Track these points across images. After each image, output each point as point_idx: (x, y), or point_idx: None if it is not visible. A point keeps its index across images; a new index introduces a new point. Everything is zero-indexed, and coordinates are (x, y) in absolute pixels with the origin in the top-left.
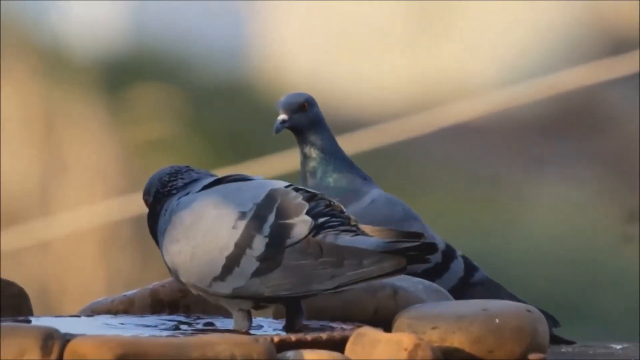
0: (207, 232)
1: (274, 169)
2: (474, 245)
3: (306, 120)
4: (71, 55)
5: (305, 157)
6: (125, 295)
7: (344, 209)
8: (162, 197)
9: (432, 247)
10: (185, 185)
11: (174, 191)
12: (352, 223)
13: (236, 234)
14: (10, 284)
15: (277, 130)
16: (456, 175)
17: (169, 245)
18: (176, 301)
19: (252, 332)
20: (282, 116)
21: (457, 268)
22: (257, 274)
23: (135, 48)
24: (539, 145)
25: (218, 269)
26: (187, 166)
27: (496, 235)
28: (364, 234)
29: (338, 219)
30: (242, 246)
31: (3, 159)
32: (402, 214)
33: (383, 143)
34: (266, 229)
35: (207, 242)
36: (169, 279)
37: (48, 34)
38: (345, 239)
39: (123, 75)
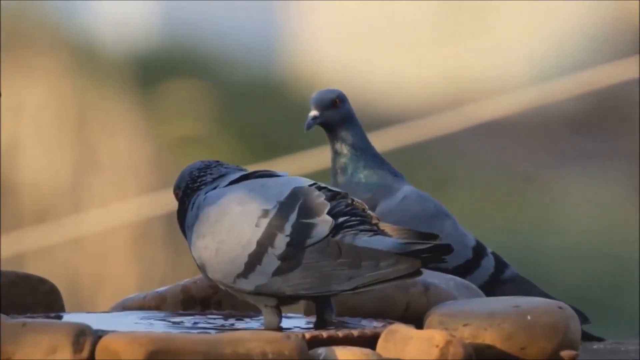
0: (231, 228)
1: (304, 165)
2: (504, 242)
3: (337, 116)
4: (104, 52)
5: (336, 154)
6: (157, 292)
7: (366, 207)
8: (191, 191)
9: (446, 249)
10: (214, 180)
11: (203, 186)
12: (373, 222)
13: (259, 232)
14: (43, 281)
15: (309, 127)
16: (487, 173)
17: (196, 241)
18: (208, 298)
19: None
20: (314, 112)
21: (488, 265)
22: (278, 272)
23: (168, 45)
24: (570, 142)
25: (241, 266)
26: (217, 161)
27: (527, 232)
28: (383, 233)
29: (358, 218)
30: (264, 244)
31: (36, 155)
32: (433, 210)
33: (414, 140)
34: (288, 228)
35: (231, 238)
36: (200, 275)
37: (81, 31)
38: (363, 239)
39: (155, 72)
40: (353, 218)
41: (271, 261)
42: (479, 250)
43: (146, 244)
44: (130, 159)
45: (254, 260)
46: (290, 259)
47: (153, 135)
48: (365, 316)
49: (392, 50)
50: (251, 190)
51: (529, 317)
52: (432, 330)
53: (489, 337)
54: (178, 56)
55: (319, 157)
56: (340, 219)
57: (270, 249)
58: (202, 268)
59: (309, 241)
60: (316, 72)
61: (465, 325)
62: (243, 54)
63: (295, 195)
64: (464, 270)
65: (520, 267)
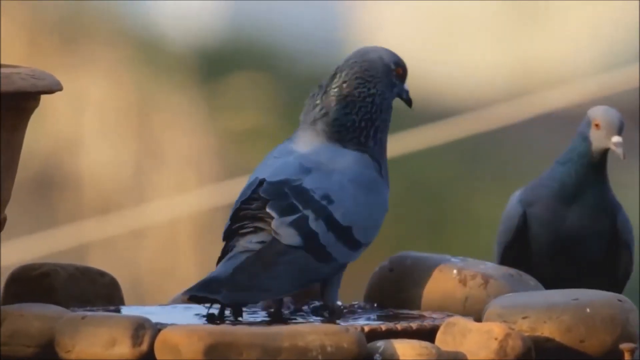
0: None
1: None
2: None
3: None
4: (166, 45)
5: (597, 170)
6: None
7: (273, 215)
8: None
9: (199, 300)
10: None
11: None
12: (265, 234)
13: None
14: (102, 274)
15: (625, 155)
16: (553, 162)
17: None
18: None
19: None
20: (619, 139)
21: None
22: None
23: (230, 37)
24: (634, 134)
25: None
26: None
27: None
28: (250, 252)
29: (251, 227)
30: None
31: (98, 148)
32: None
33: (479, 130)
34: (230, 211)
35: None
36: None
37: (143, 24)
38: (228, 255)
39: (218, 64)
40: (248, 225)
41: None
42: None
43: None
44: (193, 152)
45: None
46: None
47: (216, 128)
48: (424, 309)
49: (457, 41)
50: (265, 159)
51: (588, 310)
52: (491, 322)
53: (548, 329)
54: (241, 49)
55: None
56: (237, 224)
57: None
58: None
59: (223, 235)
60: None
61: (524, 318)
62: (306, 46)
63: (251, 184)
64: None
65: None
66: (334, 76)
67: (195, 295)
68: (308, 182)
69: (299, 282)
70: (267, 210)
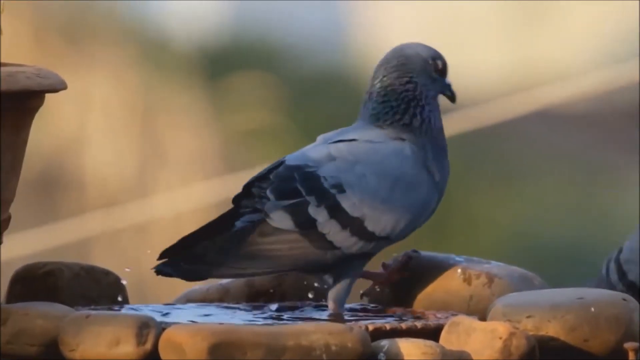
0: None
1: None
2: (570, 231)
3: None
4: (171, 43)
5: None
6: (220, 284)
7: (270, 198)
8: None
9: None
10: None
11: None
12: (255, 215)
13: None
14: (107, 273)
15: None
16: (554, 160)
17: None
18: (272, 289)
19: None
20: None
21: None
22: None
23: (235, 37)
24: (635, 130)
25: None
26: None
27: (593, 221)
28: (238, 229)
29: (250, 208)
30: None
31: (102, 145)
32: None
33: (479, 126)
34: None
35: None
36: None
37: (148, 24)
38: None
39: (222, 64)
40: (249, 205)
41: None
42: None
43: None
44: (197, 151)
45: None
46: None
47: (220, 127)
48: (428, 308)
49: (458, 39)
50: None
51: (592, 309)
52: (495, 322)
53: (553, 329)
54: (245, 48)
55: None
56: (243, 202)
57: None
58: None
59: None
60: None
61: (528, 317)
62: (311, 46)
63: (272, 163)
64: None
65: (588, 257)
66: (374, 77)
67: (160, 269)
68: (324, 170)
69: (282, 266)
70: (267, 192)
